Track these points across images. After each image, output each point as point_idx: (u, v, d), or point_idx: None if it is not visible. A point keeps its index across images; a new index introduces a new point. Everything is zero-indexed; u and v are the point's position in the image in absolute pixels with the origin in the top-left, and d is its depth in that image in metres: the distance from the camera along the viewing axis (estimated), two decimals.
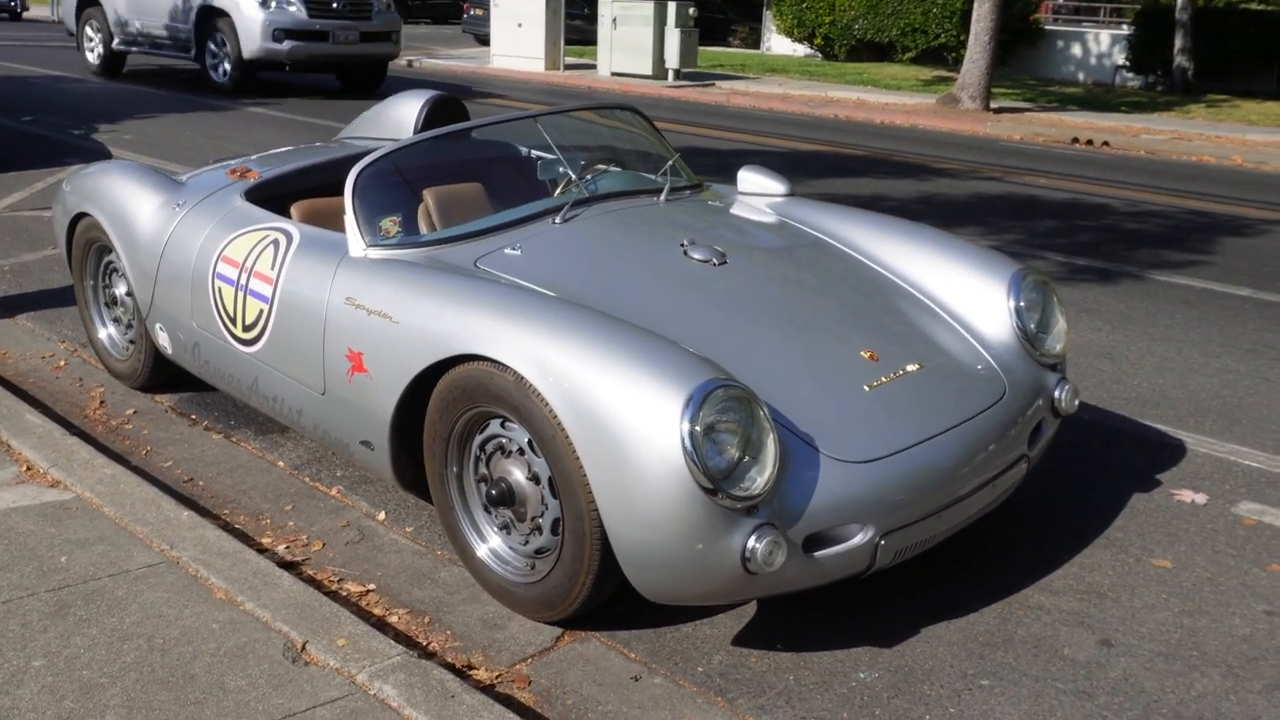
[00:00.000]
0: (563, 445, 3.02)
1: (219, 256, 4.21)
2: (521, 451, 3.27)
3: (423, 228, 4.54)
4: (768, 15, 30.66)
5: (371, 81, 17.59)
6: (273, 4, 15.51)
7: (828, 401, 3.26)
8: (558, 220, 3.95)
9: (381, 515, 4.01)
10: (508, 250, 3.76)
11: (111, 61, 17.56)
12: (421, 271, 3.59)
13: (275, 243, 4.04)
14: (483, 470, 3.42)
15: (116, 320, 5.12)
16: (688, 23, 21.44)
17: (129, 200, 4.71)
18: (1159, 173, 12.68)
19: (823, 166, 11.80)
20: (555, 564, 3.21)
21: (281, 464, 4.40)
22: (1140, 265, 7.82)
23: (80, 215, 4.99)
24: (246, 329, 4.07)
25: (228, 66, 16.00)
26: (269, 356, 4.00)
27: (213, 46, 16.11)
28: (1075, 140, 15.40)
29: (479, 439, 3.40)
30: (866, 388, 3.36)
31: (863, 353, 3.50)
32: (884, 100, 19.56)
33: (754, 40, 32.65)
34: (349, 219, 3.85)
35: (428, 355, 3.34)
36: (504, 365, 3.13)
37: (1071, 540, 3.88)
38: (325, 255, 3.86)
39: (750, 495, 2.85)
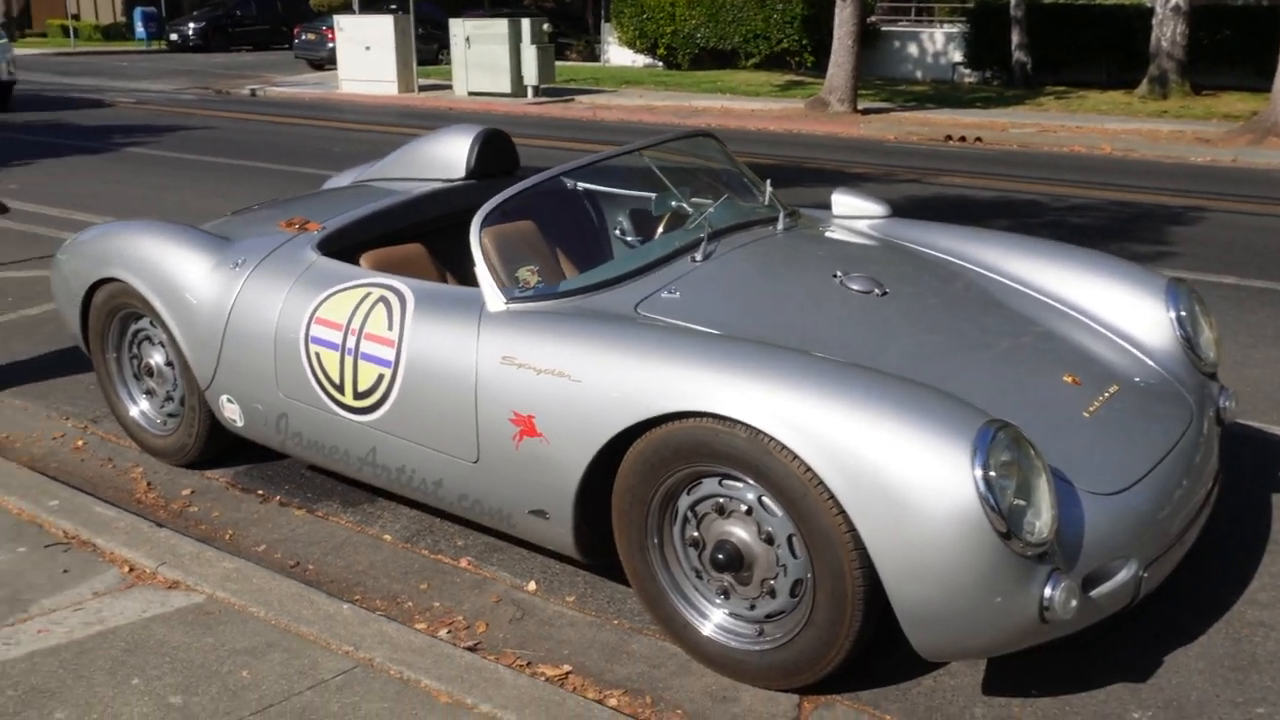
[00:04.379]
0: (817, 502, 2.83)
1: (311, 318, 3.86)
2: (749, 511, 3.06)
3: None
4: (606, 27, 30.62)
5: None
6: None
7: (1060, 432, 3.14)
8: (698, 258, 3.74)
9: (532, 585, 3.74)
10: (664, 294, 3.54)
11: None
12: (596, 323, 3.34)
13: (384, 301, 3.73)
14: (692, 533, 3.19)
15: (150, 393, 4.69)
16: (543, 39, 21.22)
17: (173, 262, 4.30)
18: (1049, 165, 13.02)
19: None
20: (802, 628, 3.01)
21: (388, 537, 4.07)
22: None
23: (101, 282, 4.55)
24: (360, 396, 3.74)
25: None
26: (393, 425, 3.68)
27: None
28: (949, 138, 15.72)
29: (687, 500, 3.17)
30: (1086, 414, 3.26)
31: (1065, 377, 3.39)
32: (749, 107, 19.68)
33: (590, 53, 32.57)
34: (482, 271, 3.57)
35: (627, 415, 3.10)
36: (733, 421, 2.92)
37: (1251, 550, 3.84)
38: (457, 312, 3.57)
39: (1041, 541, 2.71)
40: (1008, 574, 2.69)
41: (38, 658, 3.11)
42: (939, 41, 25.61)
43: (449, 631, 3.45)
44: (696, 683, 3.18)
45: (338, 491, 4.41)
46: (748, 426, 2.90)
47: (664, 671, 3.24)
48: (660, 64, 28.39)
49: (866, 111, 18.48)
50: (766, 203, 4.26)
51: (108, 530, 3.82)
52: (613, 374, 3.15)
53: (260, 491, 4.44)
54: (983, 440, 2.69)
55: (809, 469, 2.82)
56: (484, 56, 21.27)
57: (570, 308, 3.49)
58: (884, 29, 26.41)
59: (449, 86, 22.63)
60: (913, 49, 25.96)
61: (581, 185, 4.85)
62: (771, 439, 2.87)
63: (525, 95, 21.07)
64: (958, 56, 24.92)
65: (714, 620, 3.21)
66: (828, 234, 4.29)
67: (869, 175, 11.94)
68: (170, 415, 4.62)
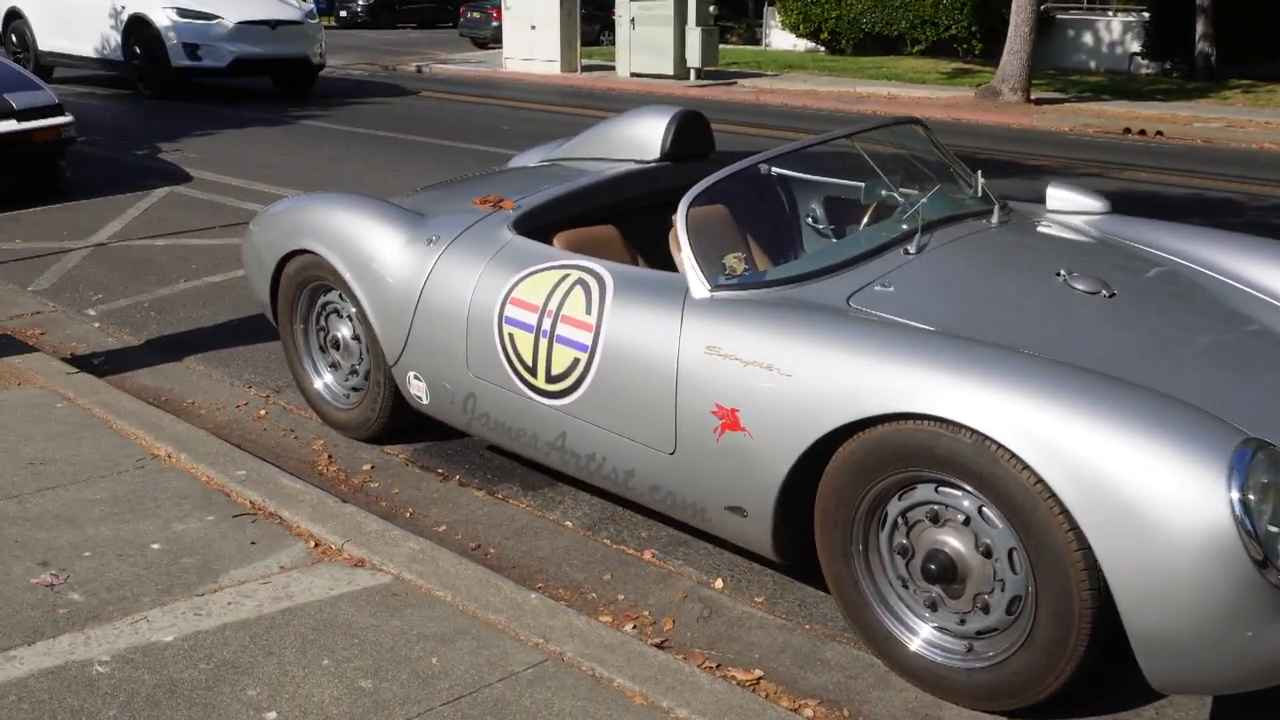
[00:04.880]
0: (1047, 516, 2.64)
1: (506, 298, 3.79)
2: (966, 521, 2.88)
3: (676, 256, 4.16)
4: (769, 10, 30.30)
5: None
6: None
7: None
8: (911, 250, 3.55)
9: (719, 583, 3.61)
10: (877, 287, 3.36)
11: None
12: (807, 315, 3.18)
13: (582, 283, 3.63)
14: (900, 540, 3.02)
15: (335, 366, 4.67)
16: (709, 20, 21.01)
17: (366, 236, 4.27)
18: (1239, 162, 12.39)
19: None
20: (1018, 648, 2.82)
21: (569, 524, 3.98)
22: None
23: (294, 253, 4.54)
24: (553, 379, 3.65)
25: None
26: (587, 410, 3.58)
27: None
28: (1128, 130, 15.09)
29: (898, 506, 3.00)
30: None
31: None
32: (915, 95, 19.22)
33: (750, 36, 32.28)
34: (686, 257, 3.45)
35: (841, 413, 2.94)
36: (958, 425, 2.74)
37: None
38: (659, 298, 3.45)
39: None
40: (1262, 605, 2.47)
41: (229, 631, 3.09)
42: (1115, 30, 24.69)
43: (634, 627, 3.35)
44: (897, 697, 3.02)
45: (517, 474, 4.35)
46: (974, 432, 2.72)
47: (861, 683, 3.09)
48: (822, 49, 27.98)
49: (1039, 101, 17.88)
50: (979, 194, 4.04)
51: (294, 503, 3.80)
52: (826, 370, 2.99)
53: (440, 470, 4.39)
54: (1240, 460, 2.47)
55: (1040, 480, 2.63)
56: (648, 37, 21.16)
57: (777, 298, 3.34)
58: (1057, 16, 25.56)
59: (611, 67, 22.59)
60: (1087, 38, 25.08)
61: (775, 170, 4.69)
62: (1000, 446, 2.68)
63: (688, 78, 20.92)
64: (1135, 46, 23.98)
65: (920, 634, 3.03)
66: (1043, 229, 4.06)
67: (1046, 168, 11.51)
68: (354, 389, 4.61)
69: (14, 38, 17.55)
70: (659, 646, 3.19)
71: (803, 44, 28.70)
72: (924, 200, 3.76)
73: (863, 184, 4.04)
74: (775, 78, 22.04)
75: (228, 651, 2.99)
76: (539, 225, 4.12)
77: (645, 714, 2.78)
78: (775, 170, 4.59)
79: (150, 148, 11.24)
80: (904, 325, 3.11)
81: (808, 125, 15.12)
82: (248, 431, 4.72)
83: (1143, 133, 14.93)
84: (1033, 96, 17.95)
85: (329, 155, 11.15)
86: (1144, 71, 23.51)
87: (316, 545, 3.60)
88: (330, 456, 4.50)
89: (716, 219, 4.01)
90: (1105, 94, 19.33)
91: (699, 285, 3.39)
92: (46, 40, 16.96)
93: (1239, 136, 14.50)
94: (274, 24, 15.97)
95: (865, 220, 3.94)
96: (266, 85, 17.12)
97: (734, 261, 3.46)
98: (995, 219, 3.90)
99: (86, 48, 16.47)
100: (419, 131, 13.03)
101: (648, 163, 4.62)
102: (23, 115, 8.53)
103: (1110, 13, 25.52)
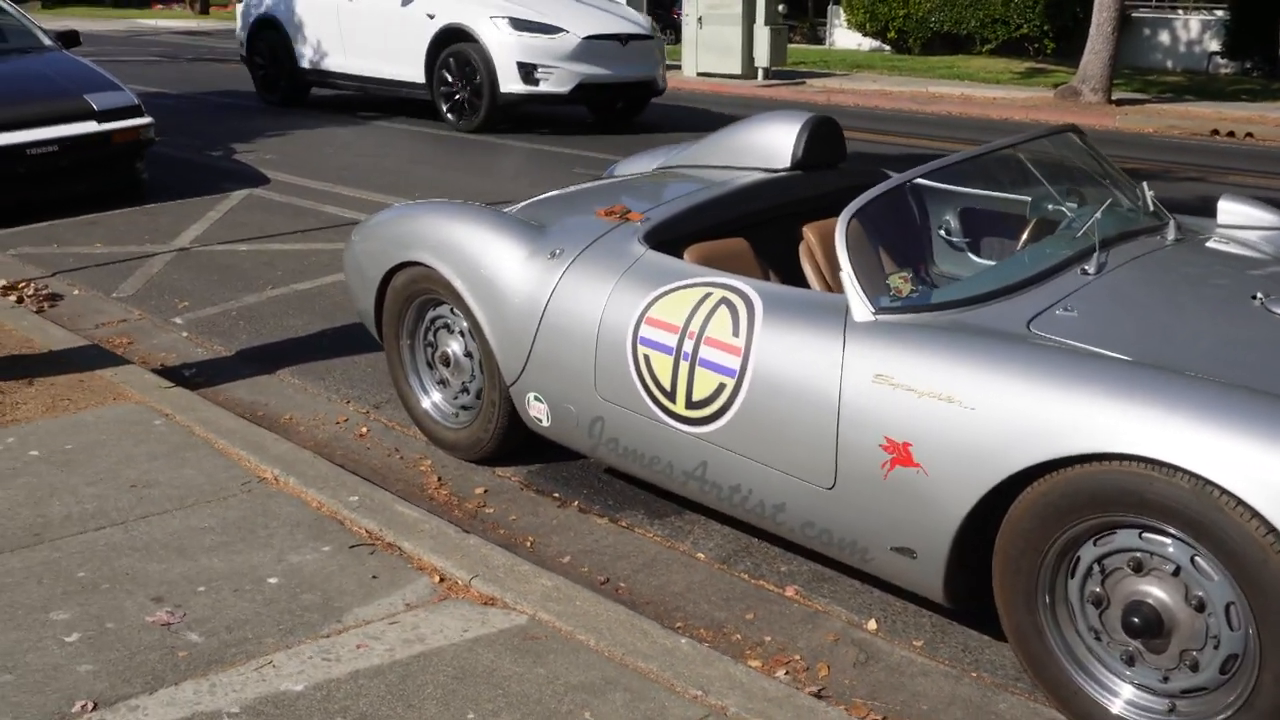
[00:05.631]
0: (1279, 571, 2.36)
1: (641, 317, 3.54)
2: (1176, 571, 2.60)
3: (808, 270, 3.93)
4: (834, 9, 29.92)
5: None
6: None
7: None
8: (1090, 270, 3.27)
9: (872, 624, 3.35)
10: (1059, 311, 3.08)
11: None
12: (987, 342, 2.90)
13: (727, 303, 3.38)
14: (1094, 588, 2.75)
15: (443, 384, 4.45)
16: (777, 19, 20.69)
17: (483, 248, 4.03)
18: None
19: None
20: (1233, 713, 2.56)
21: (702, 556, 3.73)
22: None
23: (403, 265, 4.32)
24: (694, 405, 3.40)
25: None
26: (732, 440, 3.33)
27: None
28: (1215, 132, 14.63)
29: (1094, 551, 2.73)
30: None
31: None
32: (990, 95, 18.79)
33: (813, 36, 31.91)
34: (848, 276, 3.18)
35: (1033, 452, 2.68)
36: (1174, 468, 2.47)
37: None
38: (816, 321, 3.19)
39: None
40: None
41: (362, 679, 2.86)
42: (1193, 29, 24.13)
43: (787, 672, 3.10)
44: None
45: (640, 499, 4.10)
46: (1193, 475, 2.45)
47: None
48: (888, 48, 27.57)
49: (1120, 102, 17.43)
50: (1151, 208, 3.75)
51: (413, 533, 3.58)
52: (1014, 403, 2.73)
53: (556, 494, 4.16)
54: None
55: (1273, 530, 2.36)
56: (715, 37, 20.86)
57: (948, 322, 3.06)
58: (1133, 14, 25.00)
59: (676, 66, 22.26)
60: (1164, 36, 24.53)
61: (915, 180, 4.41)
62: (1224, 492, 2.41)
63: (755, 77, 20.60)
64: (1214, 45, 23.42)
65: (1120, 694, 2.76)
66: (1221, 246, 3.75)
67: (1142, 171, 11.08)
68: (464, 408, 4.38)
69: (258, 58, 14.64)
70: (817, 696, 2.95)
71: (868, 43, 28.31)
72: (1098, 214, 3.46)
73: (1015, 195, 3.77)
74: (844, 77, 21.68)
75: (364, 703, 2.76)
76: (670, 238, 3.87)
77: None
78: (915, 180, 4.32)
79: (225, 149, 11.10)
80: (1098, 354, 2.83)
81: (886, 126, 14.79)
82: (350, 451, 4.51)
83: (1231, 134, 14.47)
84: (1113, 97, 17.50)
85: (407, 156, 10.95)
86: (1223, 71, 22.94)
87: (441, 580, 3.37)
88: (440, 479, 4.27)
89: (858, 232, 3.75)
90: (1186, 94, 18.83)
91: (861, 307, 3.13)
92: (310, 56, 13.94)
93: None
94: (624, 39, 12.66)
95: (1025, 236, 3.67)
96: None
97: (899, 282, 3.20)
98: (1170, 235, 3.61)
99: (370, 66, 13.32)
100: (494, 131, 12.77)
101: (777, 171, 4.35)
102: (103, 116, 8.41)
103: (1187, 10, 24.95)
